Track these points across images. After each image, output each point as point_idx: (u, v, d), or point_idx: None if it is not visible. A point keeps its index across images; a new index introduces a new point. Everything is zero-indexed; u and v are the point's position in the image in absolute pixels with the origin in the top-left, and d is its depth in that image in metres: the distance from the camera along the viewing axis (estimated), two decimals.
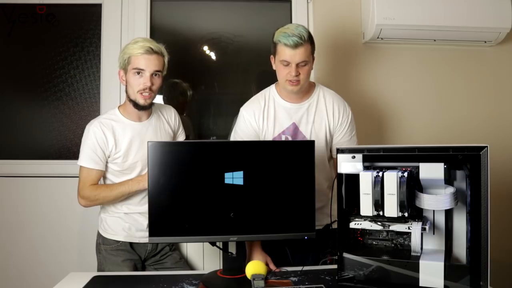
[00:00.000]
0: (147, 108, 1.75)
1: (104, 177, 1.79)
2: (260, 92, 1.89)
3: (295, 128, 1.81)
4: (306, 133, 1.80)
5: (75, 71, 2.33)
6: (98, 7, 2.31)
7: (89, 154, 1.70)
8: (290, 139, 1.79)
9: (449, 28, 2.22)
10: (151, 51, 1.66)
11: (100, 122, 1.73)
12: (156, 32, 2.31)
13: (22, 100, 2.34)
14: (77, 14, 2.33)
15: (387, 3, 2.17)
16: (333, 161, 1.90)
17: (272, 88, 1.86)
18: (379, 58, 2.38)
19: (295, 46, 1.66)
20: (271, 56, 1.80)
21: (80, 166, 1.72)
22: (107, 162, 1.74)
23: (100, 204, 1.77)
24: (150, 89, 1.68)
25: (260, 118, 1.81)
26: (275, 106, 1.82)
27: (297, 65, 1.69)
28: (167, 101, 2.33)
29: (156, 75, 1.69)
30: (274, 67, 1.81)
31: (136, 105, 1.71)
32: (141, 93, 1.68)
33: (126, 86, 1.73)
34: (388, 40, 2.30)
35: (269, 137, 1.80)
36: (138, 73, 1.67)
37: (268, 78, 1.94)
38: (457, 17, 2.20)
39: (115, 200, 1.73)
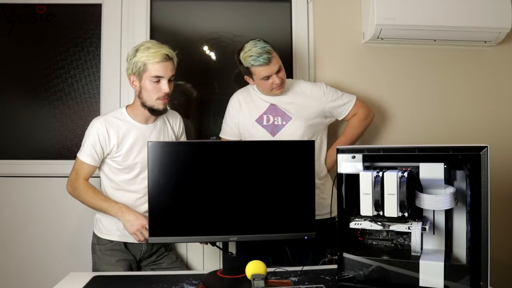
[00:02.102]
0: (164, 113, 1.77)
1: (103, 172, 1.80)
2: None
3: (275, 107, 1.96)
4: (286, 109, 1.94)
5: (75, 71, 2.33)
6: (98, 7, 2.31)
7: (89, 149, 1.73)
8: (271, 118, 1.94)
9: (449, 28, 2.21)
10: (168, 58, 1.68)
11: (106, 120, 1.75)
12: (156, 32, 2.31)
13: (22, 100, 2.33)
14: (77, 14, 2.32)
15: (387, 3, 2.17)
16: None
17: (253, 85, 2.01)
18: (379, 58, 2.38)
19: (268, 61, 1.82)
20: (246, 77, 1.95)
21: (78, 157, 1.76)
22: (105, 158, 1.76)
23: (80, 201, 1.78)
24: (167, 94, 1.71)
25: (238, 106, 2.00)
26: (254, 94, 2.00)
27: (276, 73, 1.85)
28: (170, 103, 2.32)
29: (171, 80, 1.72)
30: (252, 84, 1.97)
31: (153, 111, 1.73)
32: (160, 99, 1.70)
33: (141, 92, 1.72)
34: (388, 40, 2.30)
35: (251, 121, 1.95)
36: (158, 81, 1.68)
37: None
38: (457, 17, 2.20)
39: (92, 208, 1.76)
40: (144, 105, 1.73)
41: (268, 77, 1.85)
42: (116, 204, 1.71)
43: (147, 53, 1.66)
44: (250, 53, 1.82)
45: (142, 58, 1.66)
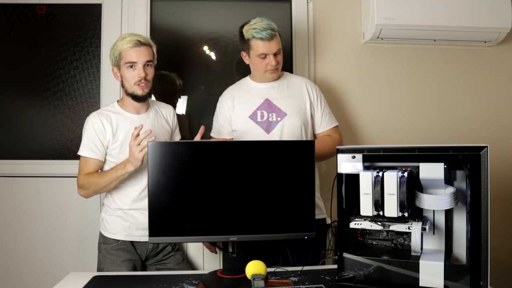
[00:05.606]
0: (145, 99, 1.81)
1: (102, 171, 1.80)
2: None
3: (269, 103, 1.92)
4: (281, 106, 1.90)
5: (75, 71, 2.33)
6: (98, 7, 2.31)
7: (88, 143, 1.75)
8: (265, 114, 1.90)
9: (449, 28, 2.22)
10: (140, 43, 1.74)
11: (99, 113, 1.79)
12: (156, 32, 2.31)
13: (22, 100, 2.33)
14: (77, 14, 2.32)
15: (387, 3, 2.17)
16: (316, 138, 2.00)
17: (246, 77, 2.00)
18: (379, 58, 2.38)
19: (271, 38, 1.81)
20: (243, 53, 1.92)
21: (80, 156, 1.77)
22: (106, 153, 1.77)
23: (95, 192, 1.77)
24: (145, 79, 1.75)
25: (230, 102, 1.95)
26: (247, 89, 1.96)
27: (274, 55, 1.83)
28: (156, 93, 2.32)
29: (148, 65, 1.77)
30: (247, 62, 1.94)
31: (134, 97, 1.77)
32: (138, 84, 1.75)
33: (122, 81, 1.79)
34: (388, 40, 2.30)
35: (244, 117, 1.91)
36: (131, 66, 1.74)
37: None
38: (457, 17, 2.20)
39: (107, 187, 1.73)
40: (127, 93, 1.78)
41: (265, 56, 1.84)
42: (118, 165, 1.69)
43: (121, 42, 1.75)
44: (255, 26, 1.83)
45: (117, 48, 1.76)
